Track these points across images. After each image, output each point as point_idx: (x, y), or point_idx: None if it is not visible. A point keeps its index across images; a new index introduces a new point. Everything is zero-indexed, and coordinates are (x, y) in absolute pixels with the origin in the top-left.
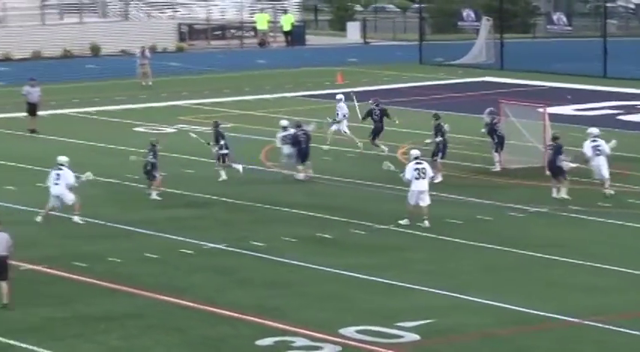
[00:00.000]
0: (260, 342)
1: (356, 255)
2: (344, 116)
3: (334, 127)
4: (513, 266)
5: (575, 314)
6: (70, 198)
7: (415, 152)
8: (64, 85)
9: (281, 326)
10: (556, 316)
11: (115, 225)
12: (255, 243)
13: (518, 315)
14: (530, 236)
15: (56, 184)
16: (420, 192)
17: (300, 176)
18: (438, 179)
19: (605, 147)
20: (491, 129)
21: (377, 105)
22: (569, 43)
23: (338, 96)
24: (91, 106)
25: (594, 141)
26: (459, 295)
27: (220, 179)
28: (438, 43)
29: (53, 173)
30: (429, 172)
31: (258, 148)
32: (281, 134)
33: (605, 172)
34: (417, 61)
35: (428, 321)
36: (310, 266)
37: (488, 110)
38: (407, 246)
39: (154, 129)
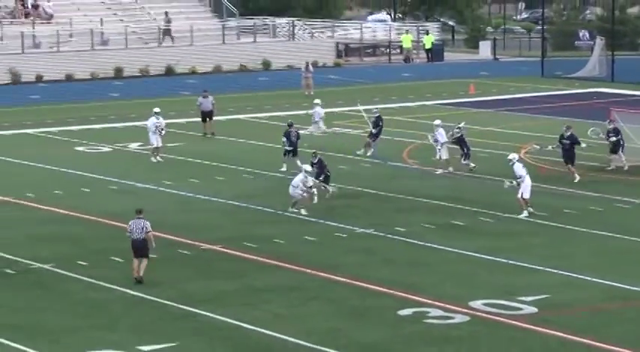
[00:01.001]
0: (401, 312)
1: (484, 239)
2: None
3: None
4: (620, 250)
5: None
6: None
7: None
8: (240, 95)
9: (419, 298)
10: None
11: (280, 213)
12: (398, 229)
13: (624, 292)
14: (636, 224)
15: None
16: (529, 185)
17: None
18: (576, 179)
19: None
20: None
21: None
22: None
23: (315, 101)
24: (262, 112)
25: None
26: (571, 274)
27: (282, 169)
28: (557, 59)
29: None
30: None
31: (401, 148)
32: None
33: None
34: (540, 75)
35: (544, 296)
36: (444, 248)
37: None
38: (528, 232)
39: (312, 132)
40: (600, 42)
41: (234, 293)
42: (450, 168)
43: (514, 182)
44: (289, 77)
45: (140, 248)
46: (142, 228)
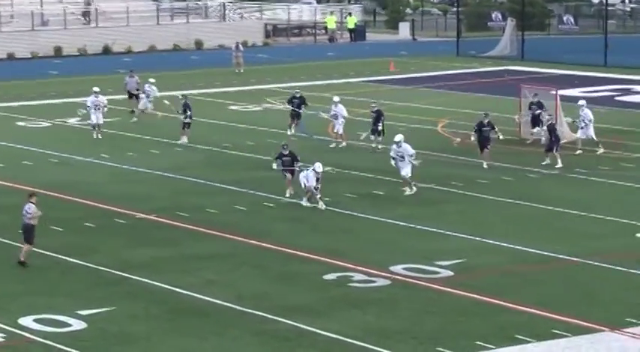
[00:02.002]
0: (326, 277)
1: (403, 207)
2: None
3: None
4: (529, 217)
5: (578, 255)
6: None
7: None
8: (174, 73)
9: (343, 264)
10: (563, 256)
11: (212, 184)
12: (324, 198)
13: (532, 256)
14: (544, 193)
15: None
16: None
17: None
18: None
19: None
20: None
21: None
22: (576, 39)
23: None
24: (195, 89)
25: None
26: (484, 239)
27: (180, 141)
28: (471, 39)
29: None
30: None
31: (326, 123)
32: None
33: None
34: (455, 54)
35: (459, 261)
36: (367, 216)
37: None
38: (443, 201)
39: (244, 108)
40: (511, 23)
41: (169, 260)
42: (344, 143)
43: (414, 161)
44: (220, 56)
45: (25, 231)
46: (29, 213)
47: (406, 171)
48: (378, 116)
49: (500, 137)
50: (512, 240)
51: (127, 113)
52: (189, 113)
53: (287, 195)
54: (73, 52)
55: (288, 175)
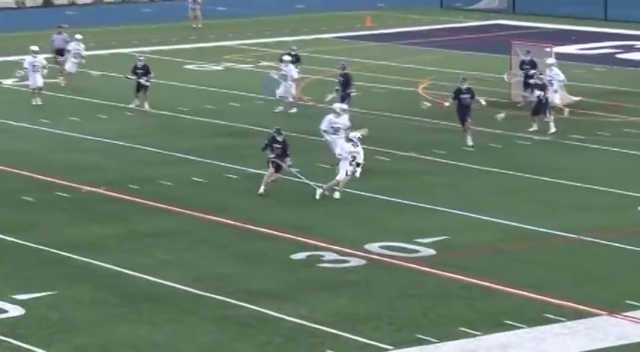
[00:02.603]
0: (294, 256)
1: (380, 179)
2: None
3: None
4: (520, 188)
5: (573, 231)
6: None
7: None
8: (123, 28)
9: (313, 242)
10: (556, 232)
11: (167, 153)
12: (292, 169)
13: (523, 232)
14: (536, 162)
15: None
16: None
17: None
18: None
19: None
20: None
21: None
22: None
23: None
24: (147, 46)
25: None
26: (471, 214)
27: (132, 105)
28: None
29: None
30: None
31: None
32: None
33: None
34: (438, 6)
35: (443, 238)
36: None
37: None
38: (425, 171)
39: (202, 67)
40: None
41: (117, 238)
42: (294, 109)
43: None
44: (175, 8)
45: None
46: None
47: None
48: (347, 80)
49: (483, 103)
50: (501, 215)
51: (74, 73)
52: (151, 75)
53: (261, 190)
54: (9, 4)
55: (271, 169)
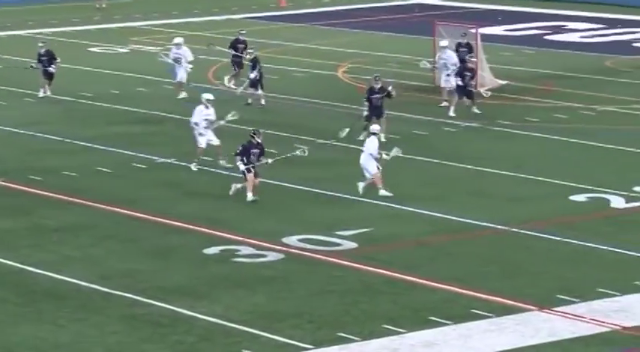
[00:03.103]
0: (207, 251)
1: (299, 168)
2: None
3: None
4: (446, 178)
5: (503, 222)
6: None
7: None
8: (19, 8)
9: (227, 235)
10: (485, 224)
11: (70, 141)
12: (205, 158)
13: (450, 224)
14: (463, 149)
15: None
16: None
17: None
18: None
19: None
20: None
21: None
22: None
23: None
24: (46, 28)
25: None
26: (395, 205)
27: (40, 94)
28: None
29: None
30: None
31: (206, 67)
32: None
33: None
34: None
35: (365, 230)
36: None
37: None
38: (347, 161)
39: (107, 50)
40: None
41: (18, 232)
42: (184, 93)
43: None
44: None
45: None
46: None
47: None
48: (254, 64)
49: (393, 95)
50: (426, 206)
51: None
52: (58, 61)
53: (250, 197)
54: None
55: (250, 175)
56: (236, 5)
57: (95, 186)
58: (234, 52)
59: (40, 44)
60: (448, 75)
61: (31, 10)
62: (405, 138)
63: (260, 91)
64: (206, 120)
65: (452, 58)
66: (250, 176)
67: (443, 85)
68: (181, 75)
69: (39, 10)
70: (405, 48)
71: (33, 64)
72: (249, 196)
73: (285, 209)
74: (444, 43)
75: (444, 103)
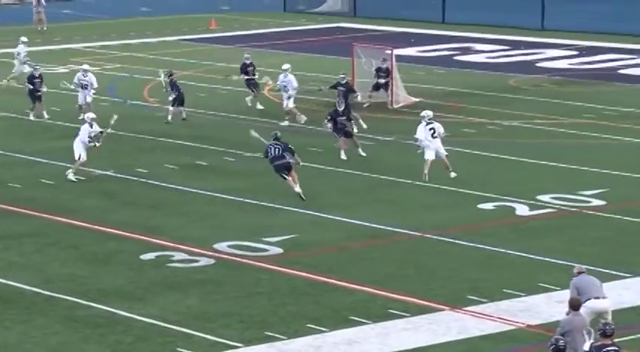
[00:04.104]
0: (144, 256)
1: (229, 179)
2: None
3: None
4: (364, 188)
5: (416, 228)
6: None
7: (427, 113)
8: None
9: (162, 242)
10: (399, 230)
11: (14, 155)
12: (139, 170)
13: (369, 230)
14: (379, 161)
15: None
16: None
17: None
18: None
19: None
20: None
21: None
22: None
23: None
24: None
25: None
26: (317, 213)
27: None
28: None
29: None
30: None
31: (142, 86)
32: None
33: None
34: (282, 9)
35: (290, 236)
36: (188, 189)
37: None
38: (272, 172)
39: (48, 70)
40: None
41: None
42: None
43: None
44: (20, 12)
45: None
46: None
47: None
48: (173, 85)
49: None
50: (346, 214)
51: None
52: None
53: (297, 189)
54: None
55: (290, 176)
56: (169, 28)
57: (38, 196)
58: (246, 77)
59: (37, 67)
60: (289, 97)
61: None
62: (325, 151)
63: (182, 108)
64: (89, 137)
65: (292, 81)
66: (290, 177)
67: (284, 106)
68: (83, 99)
69: None
70: (327, 67)
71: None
72: (296, 189)
73: (216, 217)
74: (285, 66)
75: (284, 123)
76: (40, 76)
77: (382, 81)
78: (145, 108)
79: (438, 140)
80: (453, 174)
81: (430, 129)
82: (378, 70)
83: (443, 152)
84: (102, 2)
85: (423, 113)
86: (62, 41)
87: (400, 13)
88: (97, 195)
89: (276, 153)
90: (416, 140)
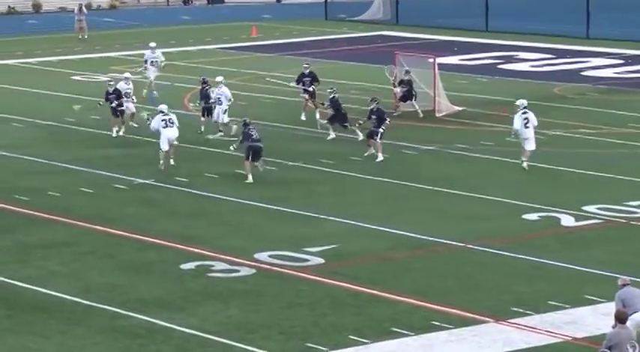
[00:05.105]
0: (183, 266)
1: (269, 188)
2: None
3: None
4: (407, 198)
5: (460, 239)
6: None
7: (522, 102)
8: (8, 39)
9: (202, 251)
10: (443, 241)
11: (54, 163)
12: (180, 179)
13: (410, 240)
14: (422, 171)
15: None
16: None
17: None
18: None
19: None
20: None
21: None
22: (455, 1)
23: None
24: (32, 58)
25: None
26: (359, 223)
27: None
28: (341, 1)
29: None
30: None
31: (182, 94)
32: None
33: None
34: (323, 18)
35: (331, 246)
36: (229, 198)
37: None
38: (313, 181)
39: (89, 78)
40: None
41: (5, 250)
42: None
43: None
44: (61, 20)
45: None
46: None
47: None
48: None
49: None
50: (388, 224)
51: None
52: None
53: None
54: None
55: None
56: (209, 36)
57: (77, 205)
58: (302, 87)
59: (111, 83)
60: (225, 111)
61: (18, 41)
62: (366, 160)
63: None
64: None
65: (226, 93)
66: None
67: (215, 118)
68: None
69: (24, 42)
70: (367, 76)
71: (101, 102)
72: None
73: (257, 226)
74: (219, 78)
75: (218, 134)
76: (116, 91)
77: (402, 91)
78: (186, 116)
79: (530, 130)
80: (525, 165)
81: (525, 119)
82: (401, 82)
83: (533, 143)
84: (143, 10)
85: (518, 102)
86: (103, 49)
87: (442, 21)
88: (136, 204)
89: (257, 136)
90: (513, 131)
